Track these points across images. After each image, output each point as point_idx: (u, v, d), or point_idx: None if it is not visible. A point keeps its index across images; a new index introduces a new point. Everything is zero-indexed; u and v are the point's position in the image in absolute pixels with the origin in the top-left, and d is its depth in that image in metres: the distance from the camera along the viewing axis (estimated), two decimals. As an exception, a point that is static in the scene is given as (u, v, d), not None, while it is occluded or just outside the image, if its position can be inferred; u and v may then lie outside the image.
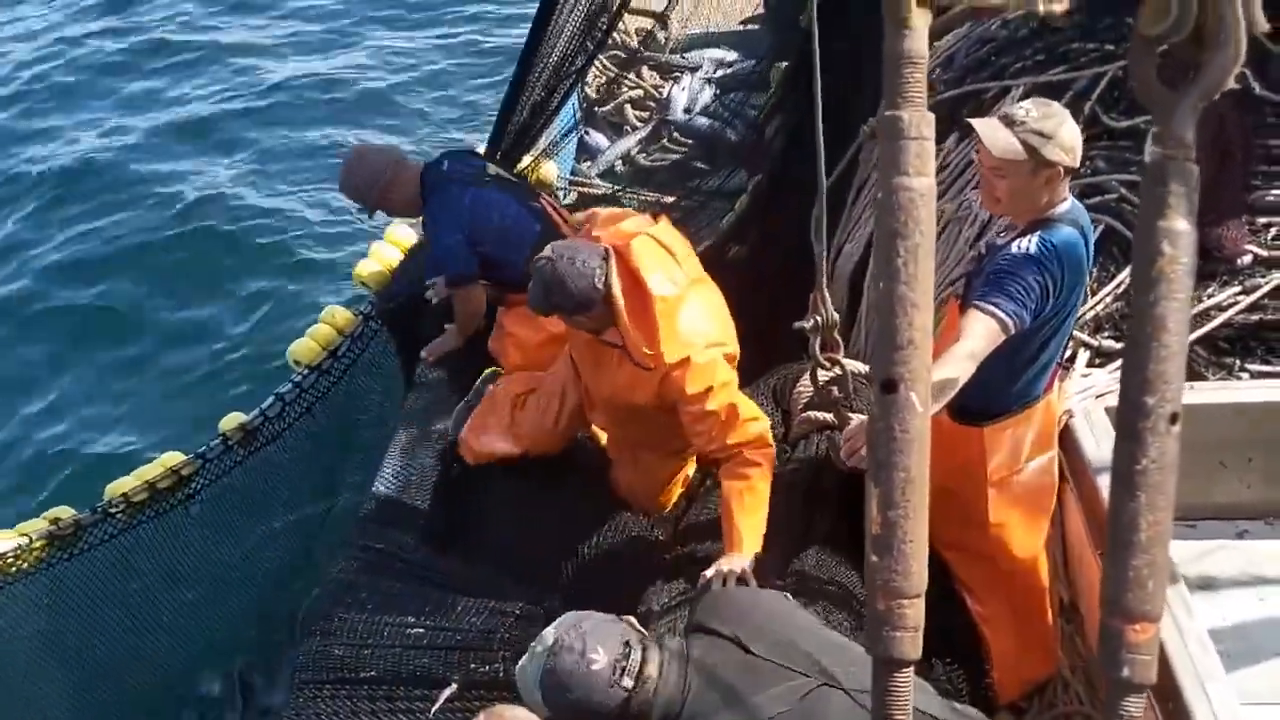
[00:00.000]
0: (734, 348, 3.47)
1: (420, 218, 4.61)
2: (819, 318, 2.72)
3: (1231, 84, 1.03)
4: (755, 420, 3.29)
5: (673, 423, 3.39)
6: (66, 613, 4.42)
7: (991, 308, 2.82)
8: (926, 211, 0.93)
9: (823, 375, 2.88)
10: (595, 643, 2.20)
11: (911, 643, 1.00)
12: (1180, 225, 1.00)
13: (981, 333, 2.80)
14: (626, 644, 2.22)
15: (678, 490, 3.94)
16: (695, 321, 3.36)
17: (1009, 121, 2.85)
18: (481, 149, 5.17)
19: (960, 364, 2.75)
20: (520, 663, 2.31)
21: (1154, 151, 1.02)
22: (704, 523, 3.77)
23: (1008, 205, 2.99)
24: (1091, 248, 3.03)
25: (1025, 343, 2.98)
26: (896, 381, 0.96)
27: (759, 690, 2.16)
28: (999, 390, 3.09)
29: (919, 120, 0.93)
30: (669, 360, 3.24)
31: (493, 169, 4.61)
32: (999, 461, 3.17)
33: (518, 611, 3.38)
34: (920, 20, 0.92)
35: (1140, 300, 1.01)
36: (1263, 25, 1.01)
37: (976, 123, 2.92)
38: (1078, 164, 2.94)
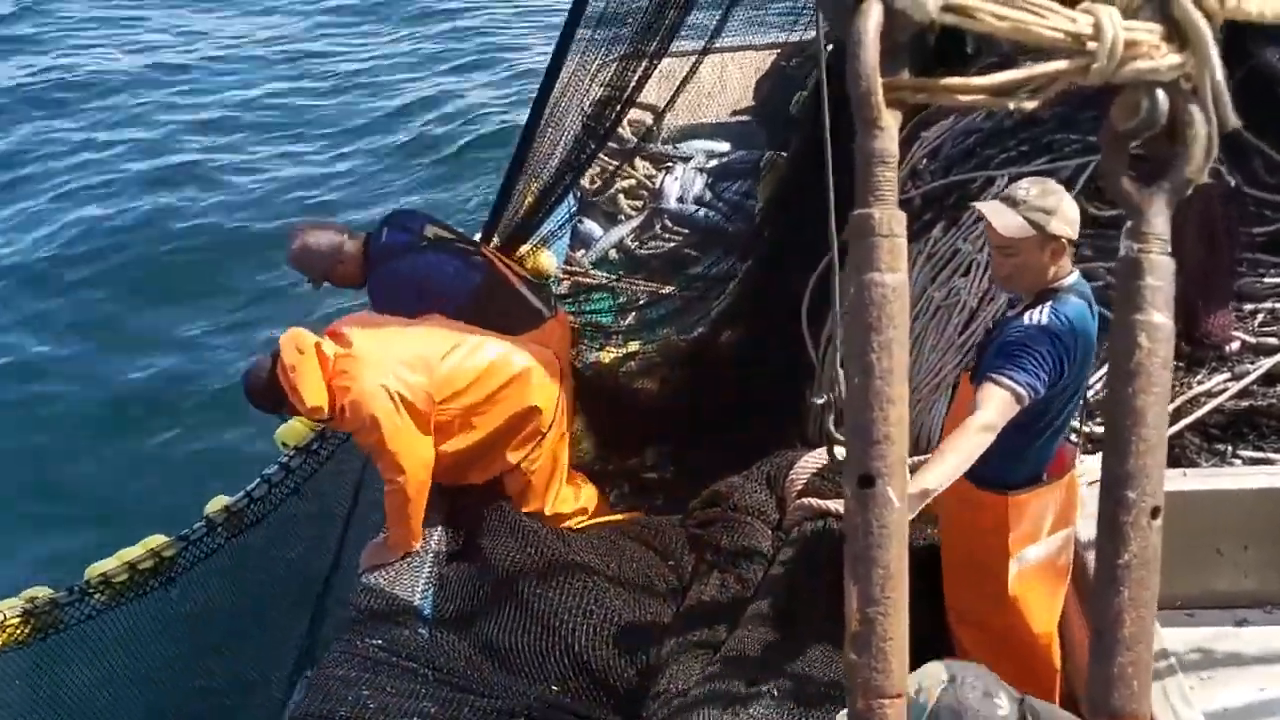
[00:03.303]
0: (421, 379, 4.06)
1: (363, 287, 4.79)
2: (832, 395, 2.75)
3: (1205, 178, 1.05)
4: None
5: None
6: (37, 691, 4.33)
7: (1007, 379, 2.88)
8: (899, 306, 0.93)
9: (839, 452, 2.91)
10: (999, 689, 2.00)
11: (894, 744, 0.97)
12: (1157, 319, 1.00)
13: (997, 404, 2.86)
14: (1022, 701, 2.01)
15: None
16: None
17: (1012, 202, 2.98)
18: (477, 237, 5.23)
19: (975, 437, 2.80)
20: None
21: (1128, 245, 1.02)
22: (707, 603, 3.73)
23: (1017, 281, 3.10)
24: (1097, 318, 3.11)
25: (1040, 413, 3.03)
26: (873, 477, 0.95)
27: None
28: (1014, 460, 3.12)
29: (890, 218, 0.93)
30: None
31: (430, 230, 4.83)
32: (1021, 532, 3.19)
33: (527, 712, 3.31)
34: (890, 120, 0.93)
35: (1118, 394, 1.00)
36: (1233, 123, 1.02)
37: (983, 206, 3.04)
38: (1077, 235, 3.05)
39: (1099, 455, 3.39)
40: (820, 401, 2.74)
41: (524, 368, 4.28)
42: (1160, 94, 1.00)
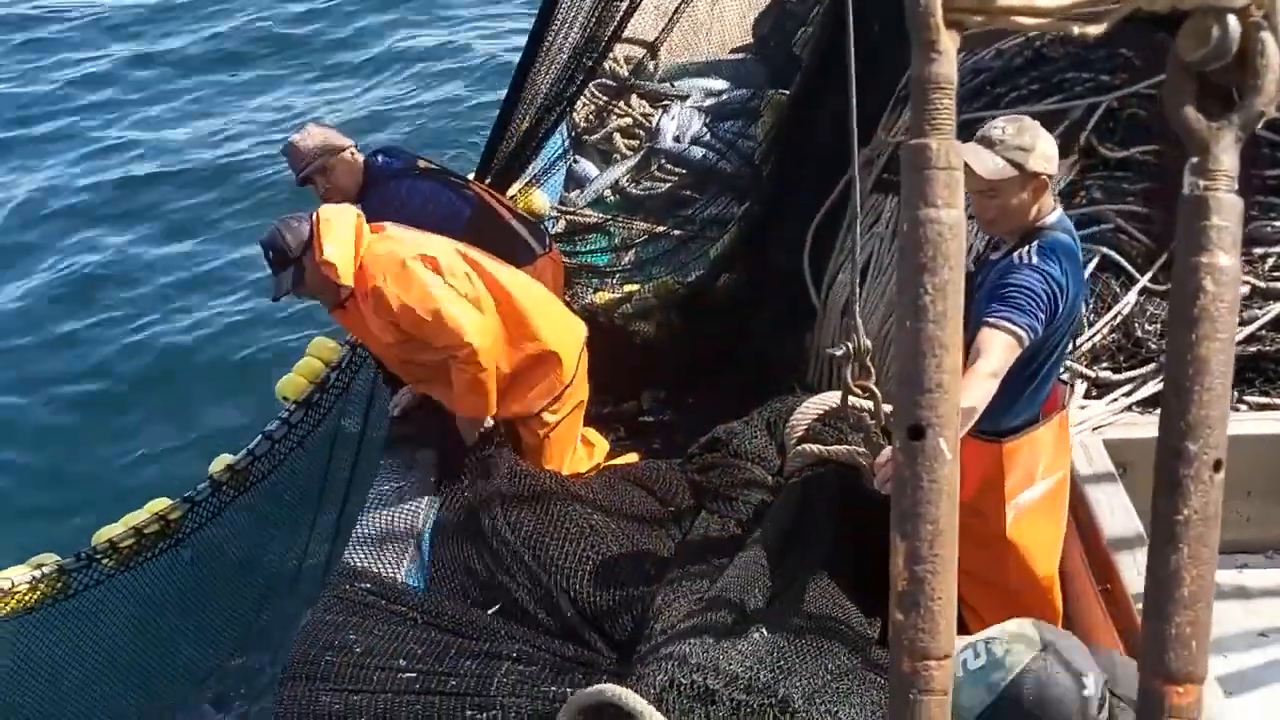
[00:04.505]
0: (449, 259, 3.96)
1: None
2: (851, 345, 2.69)
3: (1274, 111, 0.98)
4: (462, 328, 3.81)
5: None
6: (48, 660, 4.34)
7: (1005, 322, 2.83)
8: (956, 245, 0.87)
9: (855, 401, 2.88)
10: (1089, 668, 1.78)
11: (939, 707, 0.93)
12: (1224, 260, 0.94)
13: (999, 349, 2.81)
14: (1108, 680, 1.81)
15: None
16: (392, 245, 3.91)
17: (989, 143, 2.92)
18: (470, 175, 5.15)
19: (983, 384, 2.75)
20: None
21: (1193, 183, 0.96)
22: (705, 547, 3.71)
23: (1002, 223, 3.05)
24: (1081, 254, 3.09)
25: (1035, 354, 3.00)
26: (924, 427, 0.89)
27: None
28: (1012, 403, 3.09)
29: (947, 149, 0.87)
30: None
31: (423, 162, 4.82)
32: (1016, 478, 3.18)
33: (514, 655, 3.29)
34: (949, 43, 0.87)
35: (1180, 341, 0.94)
36: (1308, 52, 0.96)
37: (961, 149, 2.93)
38: (1057, 170, 3.02)
39: (1095, 402, 3.35)
40: (839, 353, 2.68)
41: (548, 310, 4.24)
42: (1232, 20, 0.94)
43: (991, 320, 2.85)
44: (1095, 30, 0.92)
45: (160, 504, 4.41)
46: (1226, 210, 0.95)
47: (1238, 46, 0.94)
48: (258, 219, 8.70)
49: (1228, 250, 0.94)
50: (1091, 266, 4.24)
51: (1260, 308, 4.11)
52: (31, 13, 13.72)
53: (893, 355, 4.00)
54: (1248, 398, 4.03)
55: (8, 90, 11.88)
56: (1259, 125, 0.97)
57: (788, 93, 6.08)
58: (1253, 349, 4.05)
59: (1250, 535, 3.90)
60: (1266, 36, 0.95)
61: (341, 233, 3.84)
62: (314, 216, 3.88)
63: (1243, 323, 4.07)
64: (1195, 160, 0.96)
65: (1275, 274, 4.21)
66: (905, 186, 0.89)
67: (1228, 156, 0.96)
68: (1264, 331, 4.08)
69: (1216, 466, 0.94)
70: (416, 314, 3.81)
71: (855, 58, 2.42)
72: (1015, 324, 2.82)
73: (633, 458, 4.67)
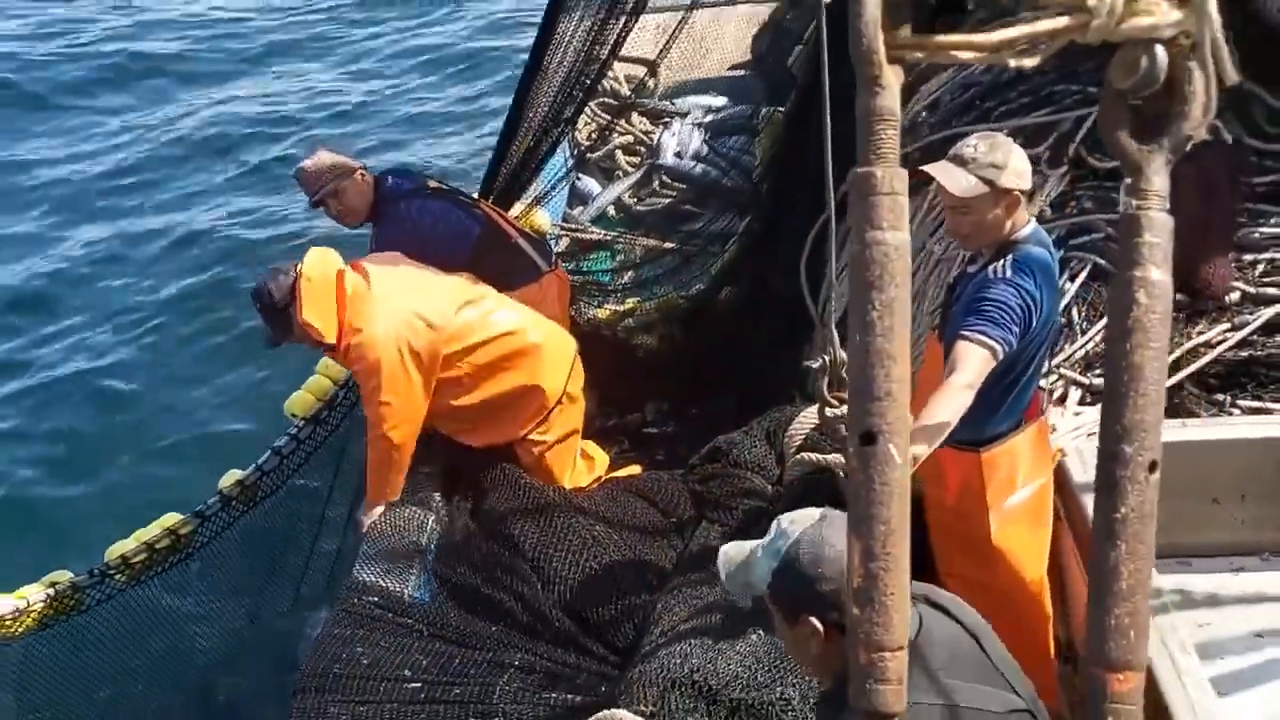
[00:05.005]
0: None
1: (358, 226, 4.83)
2: (826, 357, 2.75)
3: (1203, 134, 1.05)
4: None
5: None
6: (64, 675, 4.40)
7: (980, 336, 2.88)
8: (901, 265, 0.94)
9: (830, 413, 2.93)
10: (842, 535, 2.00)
11: (895, 695, 1.00)
12: (1155, 275, 1.01)
13: (974, 363, 2.86)
14: None
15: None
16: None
17: (961, 161, 2.98)
18: (475, 194, 5.23)
19: (958, 396, 2.80)
20: (732, 547, 2.10)
21: (1127, 202, 1.03)
22: (705, 556, 3.76)
23: (976, 238, 3.12)
24: (1057, 267, 3.14)
25: (1011, 365, 3.05)
26: (875, 433, 0.96)
27: (985, 682, 2.02)
28: (991, 413, 3.14)
29: (891, 176, 0.94)
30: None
31: (433, 182, 4.92)
32: (997, 484, 3.22)
33: (516, 663, 3.36)
34: (892, 78, 0.94)
35: (1117, 349, 1.01)
36: (1232, 78, 1.02)
37: (932, 169, 3.03)
38: (1030, 186, 3.07)
39: (1090, 408, 3.39)
40: (815, 365, 2.75)
41: (536, 344, 4.27)
42: (1159, 51, 1.01)
43: (967, 334, 2.90)
44: (1030, 63, 0.99)
45: (171, 519, 4.46)
46: (1158, 228, 1.02)
47: (1166, 75, 1.01)
48: (273, 239, 8.84)
49: (1159, 265, 1.01)
50: (1083, 275, 4.30)
51: (1251, 313, 4.16)
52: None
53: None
54: (1241, 402, 4.06)
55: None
56: (1188, 148, 1.04)
57: (784, 111, 6.17)
58: (1245, 354, 4.09)
59: (1245, 538, 3.93)
60: (1193, 65, 1.02)
61: (322, 294, 3.94)
62: (297, 269, 3.97)
63: (1234, 328, 4.12)
64: (1129, 181, 1.03)
65: (1265, 280, 4.25)
66: (853, 211, 0.96)
67: (1159, 178, 1.03)
68: (1256, 336, 4.12)
69: (1152, 467, 1.01)
70: (362, 380, 4.09)
71: (840, 83, 2.49)
72: (990, 337, 2.87)
73: (635, 469, 4.73)
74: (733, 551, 2.11)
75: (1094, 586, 1.02)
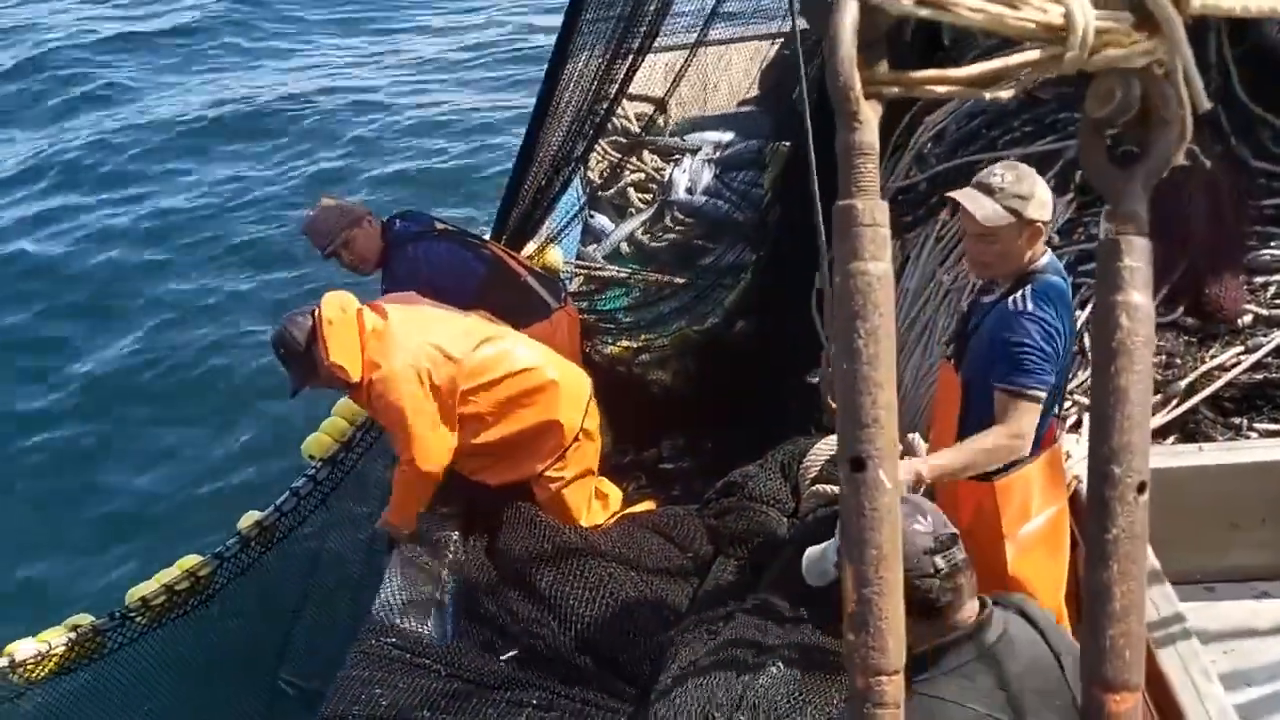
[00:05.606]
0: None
1: (370, 274, 4.87)
2: (830, 371, 2.81)
3: (1181, 159, 1.07)
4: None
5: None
6: (86, 716, 4.42)
7: (1019, 389, 2.96)
8: (884, 294, 0.96)
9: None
10: (929, 513, 2.16)
11: (892, 718, 1.01)
12: (1136, 299, 1.02)
13: (1021, 414, 2.96)
14: (956, 538, 2.15)
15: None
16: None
17: (988, 190, 2.99)
18: (486, 236, 5.29)
19: (1007, 442, 2.96)
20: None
21: (1107, 229, 1.05)
22: (722, 590, 3.77)
23: (998, 267, 3.13)
24: (1071, 293, 3.17)
25: None
26: (864, 459, 0.98)
27: (1057, 698, 2.08)
28: None
29: (871, 208, 0.96)
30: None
31: (440, 224, 4.97)
32: (1012, 513, 3.23)
33: (534, 702, 3.37)
34: (869, 113, 0.96)
35: (1102, 373, 1.03)
36: (1205, 105, 1.04)
37: (959, 195, 3.04)
38: (1051, 216, 3.11)
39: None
40: (816, 379, 2.80)
41: (553, 380, 4.30)
42: (1133, 80, 1.03)
43: (1007, 388, 2.97)
44: (1005, 95, 1.02)
45: (190, 561, 4.50)
46: (1138, 252, 1.04)
47: (1141, 103, 1.04)
48: (292, 278, 8.93)
49: (1140, 289, 1.03)
50: (1092, 302, 4.30)
51: (1264, 335, 4.15)
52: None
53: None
54: (1258, 425, 4.04)
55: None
56: (1164, 174, 1.06)
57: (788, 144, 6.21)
58: (1259, 376, 4.08)
59: (1267, 561, 3.90)
60: (1167, 93, 1.04)
61: (345, 335, 4.00)
62: (316, 313, 4.03)
63: (1247, 351, 4.11)
64: (1109, 208, 1.05)
65: (1277, 302, 4.24)
66: (836, 243, 0.98)
67: (1138, 204, 1.05)
68: (1270, 359, 4.11)
69: (1141, 489, 1.02)
70: (386, 417, 4.15)
71: (828, 115, 2.52)
72: (1029, 386, 2.96)
73: (650, 505, 4.74)
74: (813, 549, 2.22)
75: (1088, 607, 1.03)
